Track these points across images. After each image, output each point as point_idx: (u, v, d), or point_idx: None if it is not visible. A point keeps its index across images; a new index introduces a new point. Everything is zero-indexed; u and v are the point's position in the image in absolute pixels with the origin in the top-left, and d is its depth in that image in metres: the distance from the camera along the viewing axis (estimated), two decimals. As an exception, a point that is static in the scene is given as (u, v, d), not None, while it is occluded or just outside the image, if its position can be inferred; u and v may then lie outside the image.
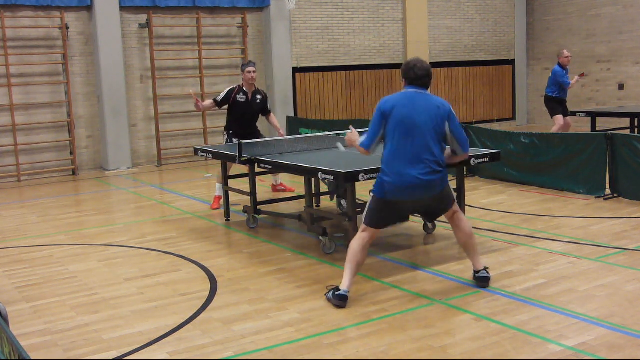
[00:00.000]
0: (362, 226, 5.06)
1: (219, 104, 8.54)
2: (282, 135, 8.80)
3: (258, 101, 8.58)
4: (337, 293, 4.89)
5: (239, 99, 8.47)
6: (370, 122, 5.00)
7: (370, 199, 5.05)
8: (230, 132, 8.59)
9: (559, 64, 11.65)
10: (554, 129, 11.50)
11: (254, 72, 8.45)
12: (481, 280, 5.17)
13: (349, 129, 5.29)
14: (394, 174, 4.84)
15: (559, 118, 11.64)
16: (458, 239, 5.26)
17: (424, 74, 4.94)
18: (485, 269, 5.21)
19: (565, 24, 16.74)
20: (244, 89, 8.51)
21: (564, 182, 8.61)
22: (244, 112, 8.49)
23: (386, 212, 5.00)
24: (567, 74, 11.70)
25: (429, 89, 5.03)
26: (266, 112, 8.74)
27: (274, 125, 8.88)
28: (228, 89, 8.61)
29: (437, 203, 5.06)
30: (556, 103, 11.73)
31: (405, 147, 4.82)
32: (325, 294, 5.04)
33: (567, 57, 11.67)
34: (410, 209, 5.15)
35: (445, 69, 16.54)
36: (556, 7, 16.94)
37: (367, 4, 15.29)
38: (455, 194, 6.41)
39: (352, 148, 5.33)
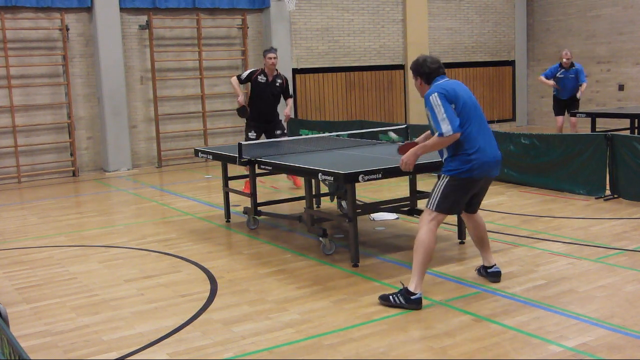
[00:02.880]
0: (431, 214, 4.89)
1: (242, 80, 8.97)
2: (287, 115, 9.09)
3: (277, 84, 9.02)
4: (413, 298, 4.75)
5: (260, 80, 8.91)
6: (437, 110, 4.80)
7: (444, 183, 4.88)
8: (250, 119, 8.99)
9: (560, 64, 11.72)
10: (555, 130, 11.51)
11: (274, 57, 8.91)
12: (494, 276, 5.26)
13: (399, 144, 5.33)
14: (480, 152, 4.85)
15: (559, 118, 11.67)
16: (474, 234, 5.31)
17: (438, 65, 5.09)
18: (496, 264, 5.31)
19: (565, 24, 16.74)
20: (265, 71, 8.96)
21: (564, 183, 8.61)
22: (262, 93, 8.94)
23: (463, 194, 4.95)
24: (564, 74, 11.76)
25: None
26: (287, 96, 9.15)
27: (287, 106, 9.20)
28: (250, 70, 9.12)
29: (488, 187, 5.19)
30: (554, 102, 11.79)
31: (481, 127, 4.93)
32: (386, 299, 4.85)
33: (565, 58, 11.71)
34: (476, 192, 5.08)
35: (445, 70, 16.51)
36: (556, 8, 16.94)
37: (367, 5, 15.29)
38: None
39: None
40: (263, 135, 9.14)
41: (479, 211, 5.33)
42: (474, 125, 4.89)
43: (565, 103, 11.94)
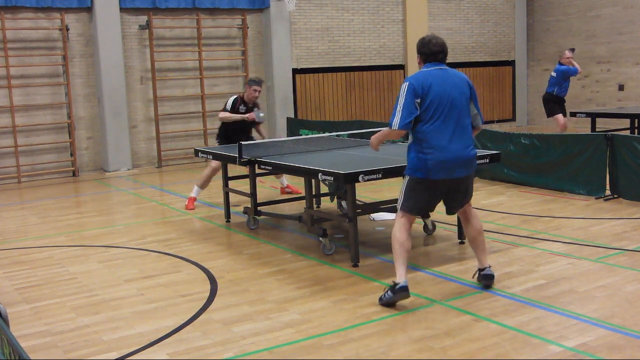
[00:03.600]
0: (400, 213, 4.98)
1: (228, 111, 8.78)
2: (263, 137, 8.97)
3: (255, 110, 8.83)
4: (397, 287, 4.80)
5: (240, 109, 8.75)
6: (399, 101, 4.83)
7: (405, 182, 4.97)
8: (222, 139, 8.87)
9: (560, 64, 11.65)
10: (558, 130, 11.46)
11: (258, 92, 8.76)
12: (486, 278, 5.16)
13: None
14: (437, 150, 4.79)
15: (560, 117, 11.62)
16: (468, 234, 5.25)
17: (439, 50, 4.95)
18: (489, 267, 5.21)
19: (565, 24, 16.75)
20: (245, 100, 8.78)
21: (564, 183, 8.61)
22: (239, 122, 8.71)
23: (424, 195, 4.93)
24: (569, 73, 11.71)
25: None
26: (256, 124, 8.97)
27: (260, 133, 9.13)
28: (233, 98, 8.86)
29: (466, 188, 5.05)
30: (554, 103, 11.72)
31: (446, 124, 4.82)
32: (381, 299, 4.89)
33: (566, 57, 11.66)
34: (444, 192, 5.00)
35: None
36: (556, 8, 16.95)
37: (367, 5, 15.30)
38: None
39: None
40: None
41: (476, 212, 5.29)
42: (439, 123, 4.81)
43: (563, 102, 11.92)
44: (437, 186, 4.92)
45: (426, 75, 4.89)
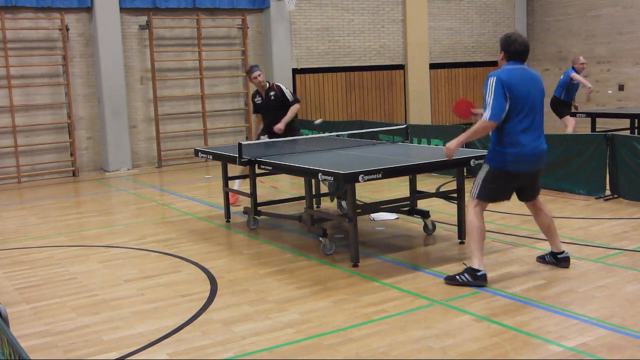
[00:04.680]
0: (473, 202, 5.25)
1: (254, 112, 8.87)
2: (277, 129, 8.40)
3: (272, 97, 8.56)
4: (480, 274, 5.13)
5: (257, 101, 8.75)
6: (489, 95, 5.01)
7: (485, 172, 5.22)
8: (265, 132, 8.67)
9: (573, 69, 11.55)
10: (569, 130, 11.41)
11: (258, 75, 8.51)
12: (564, 261, 5.50)
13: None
14: (518, 146, 5.05)
15: (569, 119, 11.58)
16: (541, 223, 5.52)
17: (523, 50, 5.16)
18: (565, 251, 5.53)
19: (565, 24, 16.75)
20: (258, 90, 8.71)
21: (564, 183, 8.61)
22: (265, 112, 8.66)
23: (502, 185, 5.22)
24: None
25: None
26: (289, 103, 8.52)
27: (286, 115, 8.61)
28: (252, 96, 8.85)
29: (538, 180, 5.40)
30: (565, 106, 11.70)
31: (527, 121, 5.07)
32: (454, 279, 5.21)
33: (581, 63, 11.58)
34: (519, 184, 5.30)
35: (446, 70, 16.55)
36: (556, 8, 16.95)
37: (367, 5, 15.30)
38: (456, 195, 6.46)
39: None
40: None
41: (545, 201, 5.56)
42: (520, 119, 5.05)
43: (570, 105, 11.91)
44: (514, 178, 5.21)
45: (511, 72, 5.10)
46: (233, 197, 8.61)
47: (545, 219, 5.49)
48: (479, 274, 5.14)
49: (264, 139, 8.41)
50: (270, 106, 8.56)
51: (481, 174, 5.27)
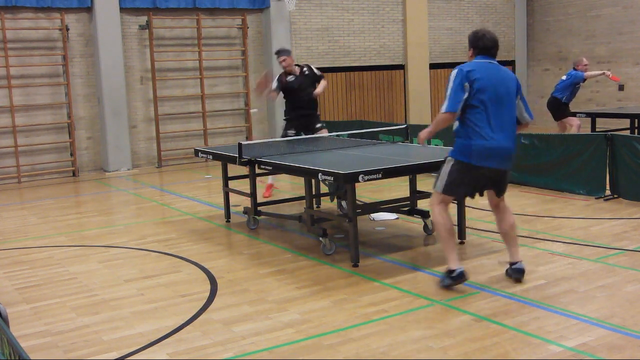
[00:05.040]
0: (438, 196, 5.12)
1: (277, 91, 8.80)
2: (317, 94, 8.72)
3: (306, 74, 8.74)
4: (456, 274, 5.04)
5: (289, 80, 8.69)
6: (449, 86, 4.98)
7: (450, 165, 5.07)
8: (288, 118, 8.83)
9: (575, 70, 11.45)
10: (574, 130, 11.33)
11: (283, 60, 8.65)
12: (517, 272, 5.26)
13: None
14: (482, 138, 4.92)
15: (574, 119, 11.50)
16: (501, 228, 5.35)
17: (492, 45, 5.09)
18: (521, 261, 5.32)
19: (565, 24, 16.74)
20: (288, 71, 8.72)
21: (564, 183, 8.61)
22: (297, 92, 8.66)
23: (465, 179, 5.07)
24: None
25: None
26: (319, 80, 8.80)
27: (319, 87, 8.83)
28: (276, 78, 8.79)
29: (504, 182, 5.22)
30: (566, 108, 11.65)
31: (491, 115, 4.94)
32: (441, 281, 5.16)
33: (585, 64, 11.47)
34: (482, 181, 5.14)
35: (446, 70, 16.53)
36: (556, 8, 16.94)
37: (367, 5, 15.30)
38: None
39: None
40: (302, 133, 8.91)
41: (509, 207, 5.36)
42: (484, 112, 4.93)
43: (569, 107, 11.86)
44: (478, 172, 5.04)
45: (476, 65, 5.03)
46: (268, 191, 8.97)
47: (506, 225, 5.30)
48: (453, 274, 5.06)
49: (292, 133, 8.72)
50: (303, 83, 8.70)
51: (446, 167, 5.11)
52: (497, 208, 5.33)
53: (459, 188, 5.14)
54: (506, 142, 4.99)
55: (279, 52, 8.82)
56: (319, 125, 8.96)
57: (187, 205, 9.05)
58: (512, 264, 5.31)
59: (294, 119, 8.81)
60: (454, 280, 5.07)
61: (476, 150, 4.94)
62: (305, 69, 8.78)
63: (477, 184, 5.19)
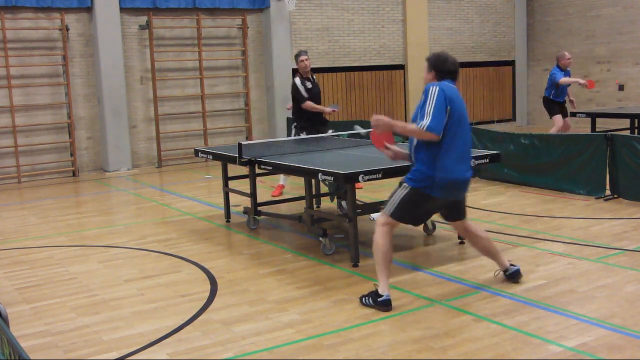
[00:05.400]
0: (386, 218, 4.86)
1: (306, 98, 8.71)
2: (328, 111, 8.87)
3: (316, 81, 8.98)
4: (380, 300, 4.77)
5: (307, 86, 8.75)
6: (429, 104, 4.63)
7: (405, 192, 4.80)
8: (298, 125, 8.89)
9: (558, 66, 11.42)
10: (553, 130, 11.37)
11: (307, 59, 8.70)
12: (513, 277, 5.21)
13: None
14: (445, 171, 4.71)
15: (558, 118, 11.53)
16: (478, 246, 5.23)
17: (455, 69, 4.88)
18: (510, 265, 5.26)
19: (565, 24, 16.74)
20: (305, 76, 8.80)
21: (564, 183, 8.61)
22: (314, 96, 8.75)
23: (420, 208, 4.88)
24: (569, 75, 11.53)
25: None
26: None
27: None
28: (298, 81, 8.73)
29: (462, 206, 5.11)
30: (554, 104, 11.63)
31: (458, 143, 4.76)
32: (362, 301, 4.91)
33: (568, 59, 11.44)
34: (438, 208, 5.05)
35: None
36: (556, 8, 16.94)
37: (367, 5, 15.29)
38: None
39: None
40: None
41: (474, 223, 5.21)
42: (454, 140, 4.72)
43: (564, 104, 11.82)
44: (434, 203, 4.88)
45: (451, 88, 4.77)
46: (278, 190, 9.10)
47: (483, 242, 5.16)
48: (379, 299, 4.76)
49: (304, 134, 8.73)
50: (317, 91, 8.86)
51: (400, 192, 4.82)
52: (466, 231, 5.18)
53: (410, 216, 4.93)
54: (468, 172, 4.88)
55: (302, 53, 8.75)
56: (331, 131, 8.94)
57: (187, 205, 9.05)
58: (504, 271, 5.26)
59: (309, 124, 8.80)
60: (377, 305, 4.76)
61: (439, 183, 4.72)
62: (314, 77, 8.96)
63: (430, 213, 5.12)
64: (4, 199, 10.32)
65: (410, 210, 4.86)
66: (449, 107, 4.64)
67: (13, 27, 11.83)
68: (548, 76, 11.60)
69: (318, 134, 8.74)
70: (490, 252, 5.26)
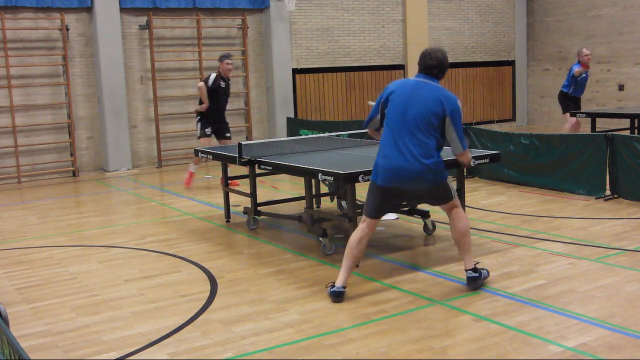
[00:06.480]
0: (362, 217, 5.13)
1: (210, 88, 9.95)
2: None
3: (229, 86, 10.30)
4: (332, 290, 5.01)
5: (221, 85, 10.00)
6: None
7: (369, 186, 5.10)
8: (203, 119, 10.12)
9: (578, 62, 11.76)
10: (566, 127, 11.47)
11: (231, 64, 10.07)
12: (468, 282, 5.13)
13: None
14: (383, 157, 4.94)
15: (571, 118, 11.63)
16: (452, 235, 5.22)
17: (434, 65, 4.93)
18: (473, 269, 5.11)
19: (565, 24, 16.74)
20: (223, 76, 10.04)
21: (564, 183, 8.61)
22: (221, 97, 10.06)
23: (376, 198, 5.01)
24: (585, 72, 11.81)
25: (440, 80, 5.00)
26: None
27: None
28: (213, 74, 10.01)
29: (429, 197, 5.12)
30: (569, 101, 11.79)
31: (395, 133, 4.89)
32: (327, 288, 5.14)
33: (586, 55, 11.72)
34: (394, 198, 5.08)
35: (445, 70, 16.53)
36: (556, 8, 16.94)
37: (367, 5, 15.29)
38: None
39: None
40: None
41: (462, 214, 5.13)
42: (390, 130, 4.91)
43: (579, 101, 12.00)
44: (384, 192, 4.98)
45: (401, 82, 5.06)
46: (189, 179, 10.17)
47: (455, 233, 5.12)
48: (332, 289, 5.00)
49: (209, 131, 10.09)
50: (227, 94, 10.23)
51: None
52: (449, 215, 5.16)
53: (370, 208, 5.05)
54: (404, 161, 4.82)
55: (228, 56, 10.06)
56: (228, 134, 10.34)
57: (187, 205, 9.05)
58: (466, 270, 5.15)
59: (212, 119, 10.10)
60: (330, 293, 5.02)
61: (380, 169, 4.93)
62: (229, 82, 10.21)
63: (389, 203, 5.13)
64: (4, 199, 10.32)
65: (369, 202, 5.04)
66: (382, 100, 5.02)
67: (13, 27, 11.83)
68: (568, 72, 11.93)
69: (218, 133, 10.17)
70: (459, 246, 5.16)
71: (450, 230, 5.23)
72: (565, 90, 11.81)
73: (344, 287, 5.00)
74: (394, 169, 4.87)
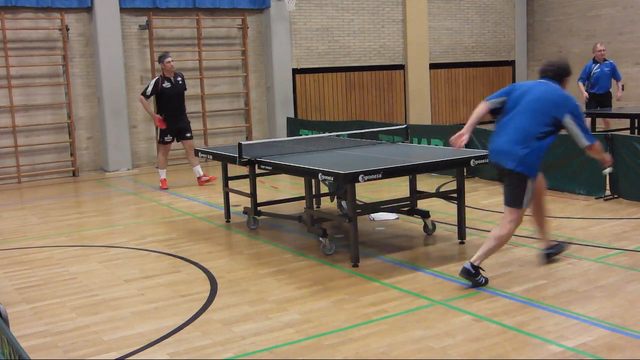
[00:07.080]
0: (519, 211, 5.31)
1: (148, 96, 10.00)
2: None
3: (180, 82, 10.17)
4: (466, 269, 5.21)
5: (165, 86, 9.96)
6: None
7: (527, 181, 5.25)
8: (166, 122, 10.08)
9: (593, 59, 11.88)
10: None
11: (172, 60, 10.07)
12: (547, 255, 5.70)
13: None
14: (492, 141, 5.40)
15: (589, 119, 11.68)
16: (534, 217, 5.79)
17: (545, 68, 5.50)
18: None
19: (565, 24, 16.74)
20: (166, 76, 10.03)
21: (564, 183, 8.61)
22: (170, 97, 10.00)
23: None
24: (607, 67, 11.89)
25: (561, 81, 5.46)
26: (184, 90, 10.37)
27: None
28: (154, 80, 10.07)
29: (506, 183, 5.43)
30: (590, 100, 11.88)
31: (505, 123, 5.32)
32: (473, 283, 5.19)
33: (599, 50, 11.82)
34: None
35: (445, 70, 16.55)
36: (556, 8, 16.94)
37: (367, 5, 15.29)
38: (456, 195, 6.44)
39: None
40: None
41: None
42: (503, 120, 5.36)
43: (601, 99, 12.02)
44: (497, 169, 5.52)
45: (523, 84, 5.53)
46: (164, 184, 10.33)
47: (535, 215, 5.79)
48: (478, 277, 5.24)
49: (169, 139, 10.24)
50: (177, 92, 10.08)
51: (523, 185, 5.43)
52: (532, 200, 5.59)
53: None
54: (504, 143, 5.27)
55: (167, 55, 10.09)
56: (188, 135, 10.37)
57: (187, 205, 9.05)
58: (543, 249, 5.72)
59: (170, 124, 10.11)
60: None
61: (489, 148, 5.49)
62: (179, 77, 10.14)
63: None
64: (4, 199, 10.32)
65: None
66: (505, 97, 5.41)
67: (13, 27, 11.83)
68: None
69: (179, 135, 10.27)
70: (538, 225, 5.78)
71: (533, 212, 5.71)
72: (580, 82, 11.96)
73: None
74: (493, 149, 5.43)
